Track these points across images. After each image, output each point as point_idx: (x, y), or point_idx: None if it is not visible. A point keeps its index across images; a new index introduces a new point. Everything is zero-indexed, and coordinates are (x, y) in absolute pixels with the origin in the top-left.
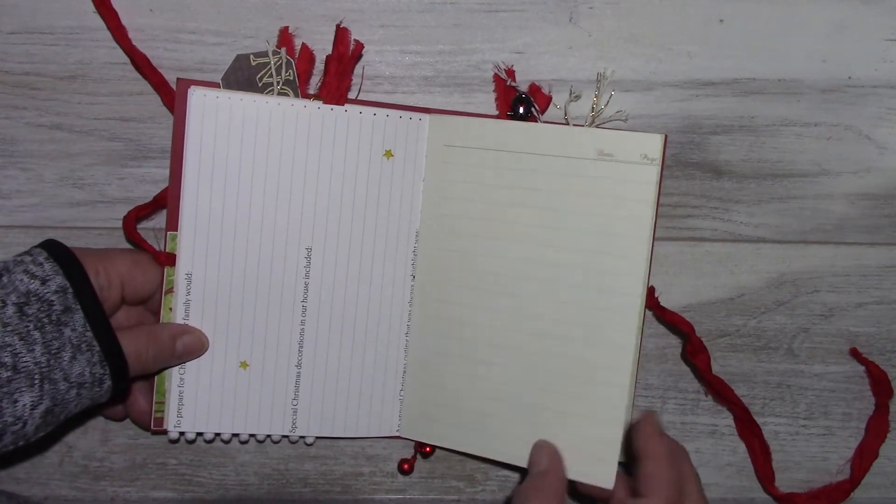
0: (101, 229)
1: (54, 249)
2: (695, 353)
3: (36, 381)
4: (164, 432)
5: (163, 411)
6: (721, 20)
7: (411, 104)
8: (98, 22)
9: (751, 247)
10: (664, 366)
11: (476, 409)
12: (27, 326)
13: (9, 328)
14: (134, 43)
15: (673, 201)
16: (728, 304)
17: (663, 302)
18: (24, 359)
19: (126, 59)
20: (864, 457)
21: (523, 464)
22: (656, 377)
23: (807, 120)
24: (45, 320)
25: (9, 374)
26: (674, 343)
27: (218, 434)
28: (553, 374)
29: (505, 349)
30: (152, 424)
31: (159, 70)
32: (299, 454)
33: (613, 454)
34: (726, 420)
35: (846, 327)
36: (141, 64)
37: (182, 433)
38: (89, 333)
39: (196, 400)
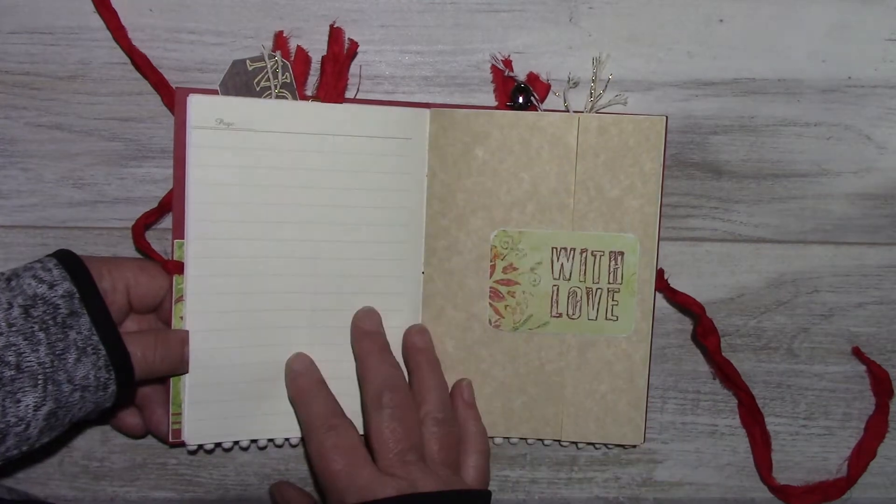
0: (101, 229)
1: (64, 257)
2: (705, 335)
3: (39, 382)
4: (183, 444)
5: (180, 423)
6: (721, 20)
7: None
8: (98, 22)
9: (751, 247)
10: (664, 366)
11: None
12: (32, 328)
13: (14, 328)
14: (134, 43)
15: (673, 201)
16: (728, 304)
17: (663, 300)
18: (28, 359)
19: (126, 59)
20: (862, 456)
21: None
22: (656, 377)
23: (807, 120)
24: (51, 322)
25: (12, 373)
26: (674, 343)
27: (236, 443)
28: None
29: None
30: (170, 437)
31: (159, 70)
32: (299, 454)
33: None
34: (726, 420)
35: (846, 327)
36: (141, 64)
37: (200, 445)
38: (95, 337)
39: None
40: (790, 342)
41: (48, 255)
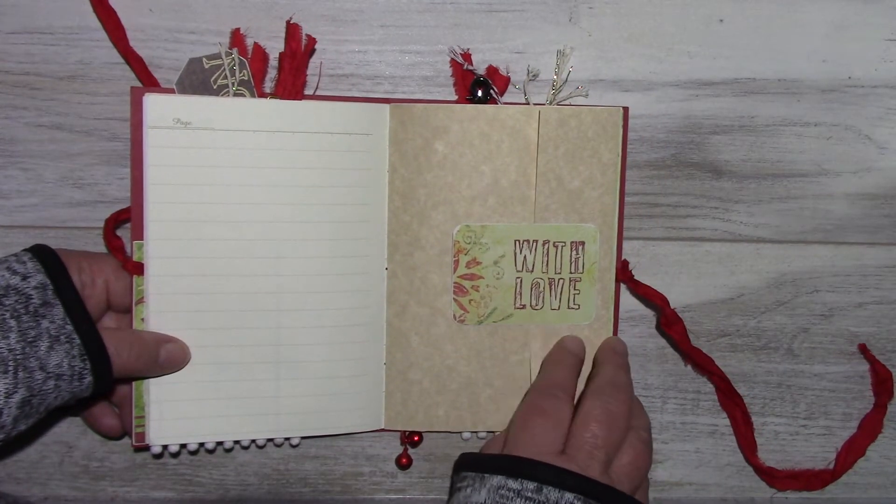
0: (100, 229)
1: (40, 252)
2: (669, 325)
3: (10, 368)
4: (147, 448)
5: (143, 426)
6: (721, 20)
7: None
8: (98, 22)
9: (751, 247)
10: (664, 366)
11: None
12: (3, 315)
13: None
14: (134, 43)
15: (673, 201)
16: (728, 304)
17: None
18: None
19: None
20: (851, 453)
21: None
22: (656, 377)
23: (807, 120)
24: (22, 311)
25: None
26: (674, 343)
27: (202, 444)
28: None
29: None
30: (134, 440)
31: (159, 70)
32: (299, 454)
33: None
34: (726, 420)
35: (846, 327)
36: (136, 66)
37: (165, 447)
38: (69, 326)
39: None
40: (790, 342)
41: (24, 250)
